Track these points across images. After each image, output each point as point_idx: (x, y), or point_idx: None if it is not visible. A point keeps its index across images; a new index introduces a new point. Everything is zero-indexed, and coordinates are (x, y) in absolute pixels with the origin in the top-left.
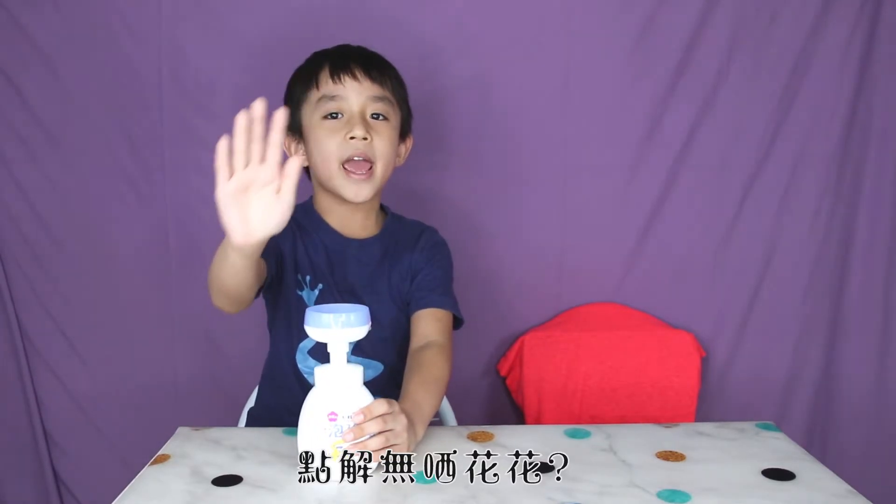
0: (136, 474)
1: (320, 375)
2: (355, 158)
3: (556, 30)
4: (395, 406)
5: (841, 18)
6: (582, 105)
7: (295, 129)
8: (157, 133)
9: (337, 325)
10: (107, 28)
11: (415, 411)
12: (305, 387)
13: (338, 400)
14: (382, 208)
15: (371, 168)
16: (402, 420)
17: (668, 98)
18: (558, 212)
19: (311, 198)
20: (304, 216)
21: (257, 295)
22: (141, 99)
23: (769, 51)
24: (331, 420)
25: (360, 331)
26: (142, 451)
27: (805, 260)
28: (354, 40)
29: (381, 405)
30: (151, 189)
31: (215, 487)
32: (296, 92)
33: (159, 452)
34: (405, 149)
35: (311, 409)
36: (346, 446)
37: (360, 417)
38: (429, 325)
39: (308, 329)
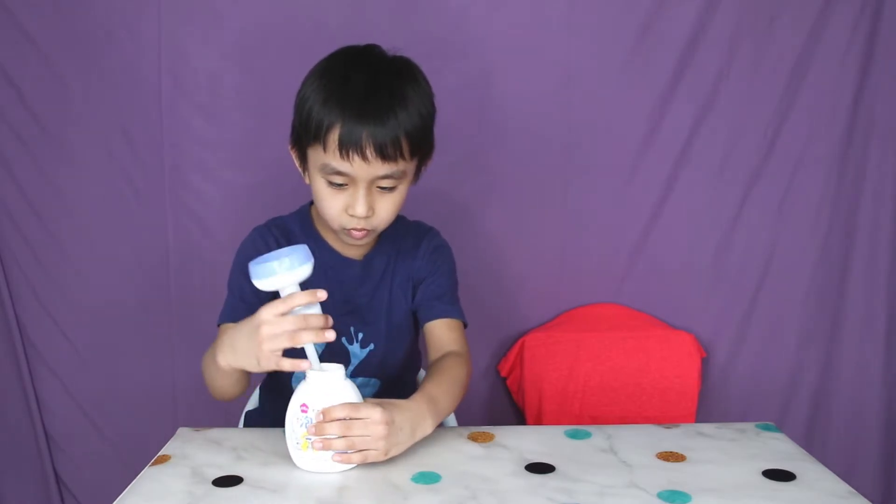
0: (136, 475)
1: (308, 373)
2: (356, 227)
3: (556, 30)
4: (375, 414)
5: (841, 19)
6: (582, 105)
7: (300, 152)
8: (157, 133)
9: (282, 270)
10: (107, 28)
11: (428, 404)
12: None
13: (311, 393)
14: None
15: (373, 230)
16: (379, 430)
17: (668, 98)
18: (558, 212)
19: (310, 205)
20: (301, 230)
21: None
22: (141, 99)
23: (769, 51)
24: (302, 411)
25: (306, 269)
26: (142, 452)
27: (806, 260)
28: (355, 42)
29: (342, 410)
30: (151, 189)
31: (216, 488)
32: (306, 117)
33: (160, 453)
34: (422, 173)
35: (293, 400)
36: (312, 440)
37: (321, 416)
38: (443, 335)
39: (256, 283)
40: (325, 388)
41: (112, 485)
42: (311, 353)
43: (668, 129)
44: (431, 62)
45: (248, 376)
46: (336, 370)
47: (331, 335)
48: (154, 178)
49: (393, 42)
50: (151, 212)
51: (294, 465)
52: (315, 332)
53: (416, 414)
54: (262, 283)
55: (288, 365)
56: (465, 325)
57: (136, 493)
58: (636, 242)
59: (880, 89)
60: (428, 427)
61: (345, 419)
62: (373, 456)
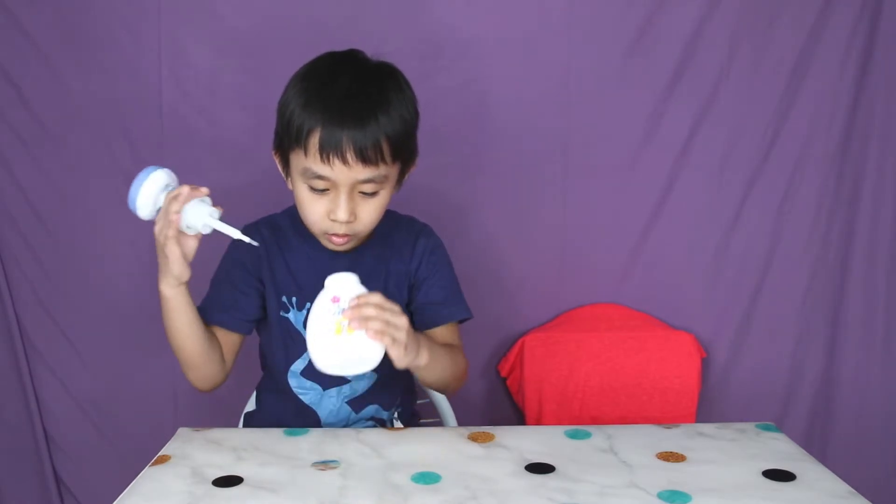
0: (136, 475)
1: (328, 280)
2: (337, 232)
3: (556, 30)
4: (397, 307)
5: (841, 19)
6: (582, 105)
7: (283, 157)
8: (157, 133)
9: (136, 187)
10: (107, 28)
11: (426, 340)
12: (302, 406)
13: (341, 286)
14: None
15: (354, 235)
16: (404, 319)
17: (668, 98)
18: (558, 212)
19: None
20: (290, 226)
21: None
22: (141, 99)
23: (769, 51)
24: (334, 302)
25: (158, 174)
26: (142, 452)
27: (805, 260)
28: (355, 41)
29: (377, 296)
30: None
31: (216, 488)
32: (287, 121)
33: (160, 453)
34: (405, 179)
35: (319, 301)
36: (346, 323)
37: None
38: (445, 339)
39: (138, 214)
40: (351, 284)
41: (112, 485)
42: (228, 229)
43: (668, 129)
44: (431, 62)
45: (199, 325)
46: (353, 275)
47: (183, 188)
48: None
49: (392, 42)
50: None
51: (295, 467)
52: (177, 200)
53: (419, 339)
54: (140, 210)
55: (175, 210)
56: (471, 317)
57: (136, 493)
58: (636, 242)
59: (880, 89)
60: (423, 357)
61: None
62: (398, 343)
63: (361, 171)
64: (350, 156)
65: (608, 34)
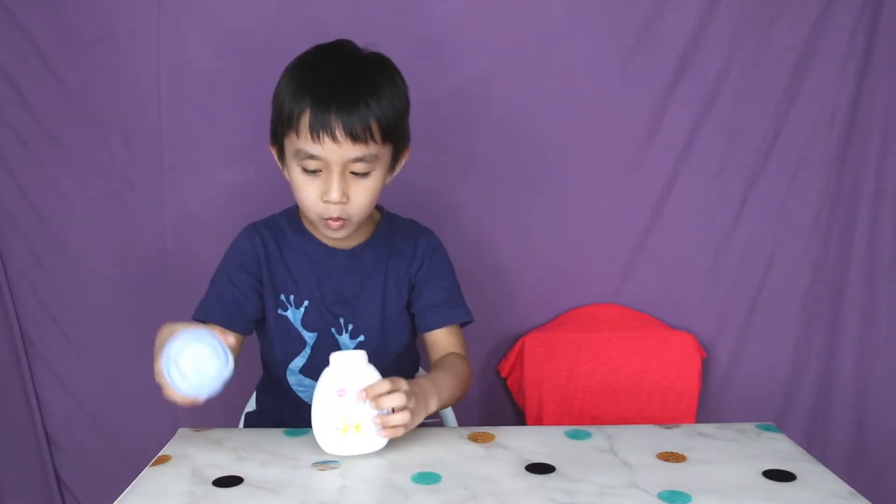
0: (136, 475)
1: (333, 358)
2: (332, 216)
3: (556, 31)
4: (403, 385)
5: (841, 19)
6: (582, 106)
7: (278, 146)
8: (157, 133)
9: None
10: (106, 28)
11: (432, 386)
12: (301, 404)
13: (345, 373)
14: (377, 207)
15: (349, 219)
16: (411, 401)
17: (668, 99)
18: (558, 213)
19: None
20: (288, 225)
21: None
22: (140, 99)
23: (770, 51)
24: (339, 396)
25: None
26: (142, 452)
27: (806, 261)
28: (355, 41)
29: (384, 384)
30: (150, 189)
31: (216, 488)
32: (280, 108)
33: (160, 453)
34: (399, 165)
35: (324, 386)
36: (352, 421)
37: (363, 395)
38: (447, 340)
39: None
40: (356, 367)
41: (112, 485)
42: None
43: (668, 129)
44: (432, 62)
45: None
46: (360, 354)
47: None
48: (152, 177)
49: (392, 42)
50: (150, 212)
51: (295, 466)
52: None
53: (426, 391)
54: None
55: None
56: (472, 321)
57: (136, 493)
58: (636, 242)
59: (880, 89)
60: (432, 406)
61: (392, 391)
62: (408, 426)
63: (351, 150)
64: (339, 133)
65: (608, 34)
